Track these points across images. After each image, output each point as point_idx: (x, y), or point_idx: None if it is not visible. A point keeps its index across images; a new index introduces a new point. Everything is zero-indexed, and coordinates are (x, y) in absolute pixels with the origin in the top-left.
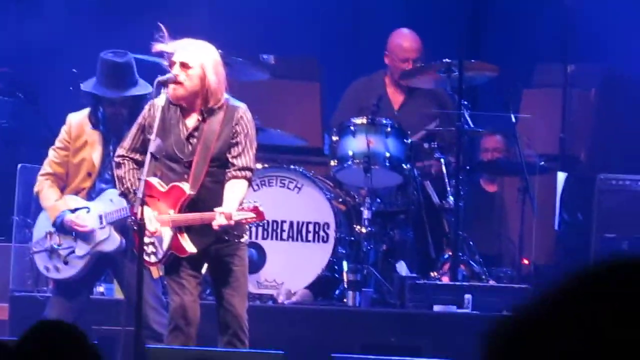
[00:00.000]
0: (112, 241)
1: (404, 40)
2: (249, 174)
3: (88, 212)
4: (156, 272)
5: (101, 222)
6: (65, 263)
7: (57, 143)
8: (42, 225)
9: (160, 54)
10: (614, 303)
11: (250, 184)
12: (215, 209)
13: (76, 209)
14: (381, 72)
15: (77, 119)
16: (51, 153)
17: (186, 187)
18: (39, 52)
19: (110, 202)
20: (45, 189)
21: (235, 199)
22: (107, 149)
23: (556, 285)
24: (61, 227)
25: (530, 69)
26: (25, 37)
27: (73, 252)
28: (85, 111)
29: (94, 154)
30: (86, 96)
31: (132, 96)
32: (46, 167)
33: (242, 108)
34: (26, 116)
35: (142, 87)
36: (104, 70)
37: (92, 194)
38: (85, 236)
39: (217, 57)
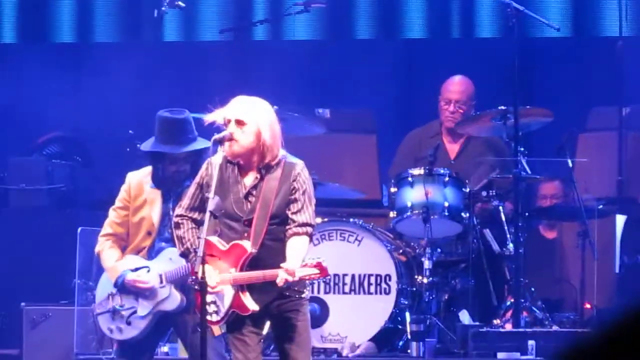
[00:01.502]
0: (173, 300)
1: (451, 83)
2: (309, 229)
3: (148, 271)
4: (217, 330)
5: (161, 281)
6: (128, 324)
7: (117, 203)
8: (104, 287)
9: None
10: None
11: (311, 240)
12: (281, 265)
13: (137, 269)
14: (436, 122)
15: (137, 178)
16: (111, 213)
17: (247, 245)
18: (92, 114)
19: (170, 261)
20: (106, 250)
21: (298, 256)
22: (166, 208)
23: (616, 319)
24: (122, 288)
25: (585, 113)
26: (78, 101)
27: (135, 312)
28: (144, 170)
29: (153, 212)
30: (146, 156)
31: (193, 151)
32: (107, 228)
33: (300, 165)
34: (83, 179)
35: (202, 142)
36: (162, 128)
37: (151, 253)
38: (146, 296)
39: (272, 112)
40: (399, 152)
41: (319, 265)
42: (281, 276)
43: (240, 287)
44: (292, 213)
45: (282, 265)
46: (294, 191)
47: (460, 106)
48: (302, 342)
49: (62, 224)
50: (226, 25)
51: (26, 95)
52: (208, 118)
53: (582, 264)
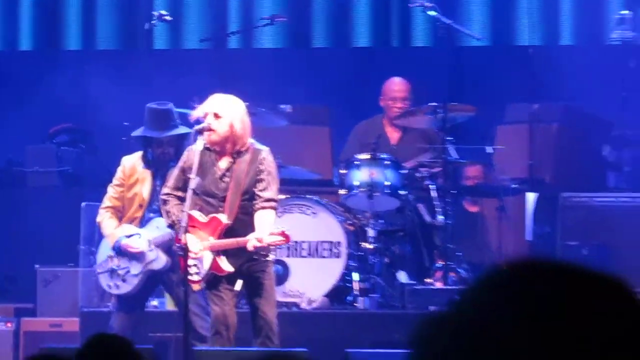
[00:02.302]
0: (159, 261)
1: (393, 84)
2: (274, 204)
3: (139, 237)
4: (197, 287)
5: (150, 246)
6: (124, 280)
7: (114, 181)
8: (104, 251)
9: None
10: (509, 299)
11: (275, 212)
12: (250, 235)
13: (130, 235)
14: (379, 116)
15: (130, 161)
16: (109, 189)
17: (223, 218)
18: (95, 110)
19: (157, 229)
20: (106, 220)
21: (265, 226)
22: (155, 184)
23: (472, 284)
24: (118, 251)
25: (502, 109)
26: (84, 97)
27: (129, 271)
28: (137, 154)
29: (144, 188)
30: (137, 141)
31: (176, 136)
32: (106, 202)
33: (266, 150)
34: (87, 163)
35: (183, 129)
36: (150, 117)
37: (142, 222)
38: (138, 257)
39: (243, 107)
40: (348, 141)
41: (283, 234)
42: (251, 243)
43: (217, 252)
44: (259, 190)
45: (251, 234)
46: (260, 172)
47: (404, 101)
48: (269, 296)
49: (70, 200)
50: (206, 36)
51: (40, 93)
52: (193, 114)
53: (499, 233)
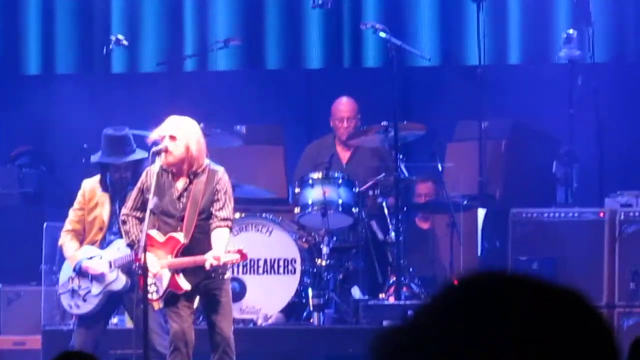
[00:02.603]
0: (119, 281)
1: (340, 104)
2: (230, 223)
3: (100, 259)
4: (157, 305)
5: (110, 267)
6: (84, 300)
7: (75, 205)
8: (66, 272)
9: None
10: (468, 310)
11: (231, 231)
12: (207, 253)
13: (91, 257)
14: (330, 135)
15: (90, 185)
16: (70, 213)
17: (181, 237)
18: (55, 132)
19: (118, 250)
20: (67, 242)
21: (222, 244)
22: (114, 207)
23: (431, 297)
24: (79, 272)
25: (452, 126)
26: (44, 119)
27: (90, 291)
28: (96, 177)
29: (104, 212)
30: (95, 166)
31: (133, 161)
32: (67, 225)
33: (221, 170)
34: (48, 184)
35: (140, 153)
36: (107, 143)
37: (103, 244)
38: (98, 278)
39: (198, 129)
40: (302, 159)
41: (240, 252)
42: (209, 261)
43: (175, 270)
44: (216, 210)
45: (208, 253)
46: (216, 192)
47: (350, 121)
48: (226, 313)
49: (32, 220)
50: (162, 59)
51: (1, 117)
52: (150, 137)
53: (451, 248)
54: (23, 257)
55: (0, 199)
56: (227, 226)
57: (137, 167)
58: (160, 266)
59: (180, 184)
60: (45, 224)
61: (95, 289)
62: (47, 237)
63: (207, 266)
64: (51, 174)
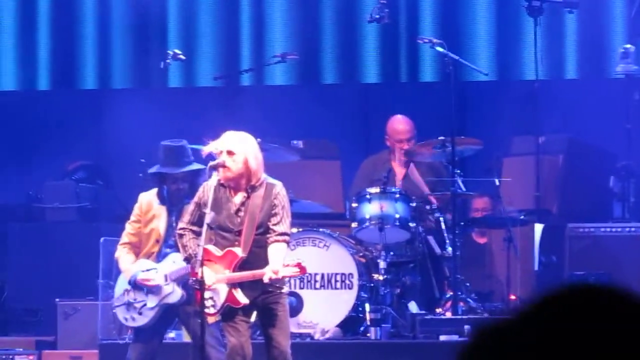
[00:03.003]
0: (175, 294)
1: (397, 124)
2: (287, 237)
3: (156, 272)
4: (213, 319)
5: (166, 280)
6: (140, 313)
7: (132, 217)
8: (121, 285)
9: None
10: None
11: (288, 245)
12: (266, 267)
13: (147, 270)
14: (387, 151)
15: (147, 198)
16: (127, 226)
17: (239, 251)
18: (111, 146)
19: (173, 263)
20: (123, 255)
21: (280, 258)
22: (170, 220)
23: (522, 306)
24: (135, 285)
25: (509, 141)
26: (100, 134)
27: (145, 304)
28: (153, 191)
29: (160, 224)
30: (153, 178)
31: (190, 172)
32: (124, 238)
33: (279, 185)
34: (104, 199)
35: (197, 165)
36: (164, 154)
37: (159, 257)
38: (154, 291)
39: (256, 144)
40: (358, 174)
41: (299, 265)
42: (268, 275)
43: (233, 284)
44: (273, 224)
45: (267, 267)
46: (274, 207)
47: (409, 142)
48: (283, 327)
49: (88, 235)
50: (219, 74)
51: (58, 131)
52: (205, 149)
53: (507, 263)
54: (80, 271)
55: (57, 214)
56: (285, 241)
57: (194, 179)
58: (216, 279)
59: (238, 198)
60: (102, 239)
61: (151, 301)
62: (103, 251)
63: (266, 280)
64: (108, 189)
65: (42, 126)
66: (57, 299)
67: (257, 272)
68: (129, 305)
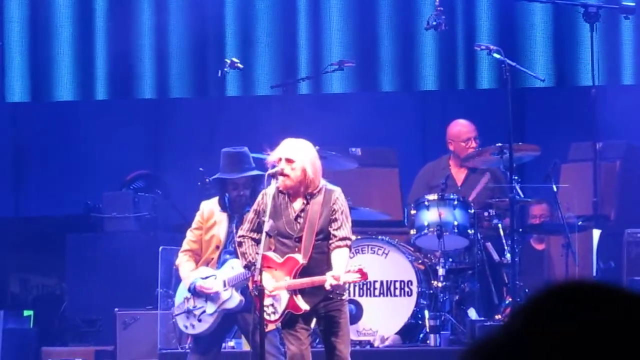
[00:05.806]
0: (234, 300)
1: (461, 125)
2: (349, 242)
3: (215, 278)
4: (272, 326)
5: (225, 285)
6: (199, 320)
7: (193, 224)
8: (181, 293)
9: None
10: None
11: (350, 250)
12: (327, 273)
13: (206, 277)
14: (445, 157)
15: (208, 206)
16: (188, 234)
17: (299, 258)
18: (169, 156)
19: (232, 269)
20: (183, 263)
21: (342, 264)
22: (231, 227)
23: (521, 306)
24: (194, 292)
25: (566, 148)
26: (159, 143)
27: (204, 311)
28: (214, 199)
29: (221, 231)
30: (214, 185)
31: (251, 177)
32: (184, 245)
33: (338, 191)
34: (162, 208)
35: (257, 171)
36: (225, 160)
37: (218, 264)
38: (212, 297)
39: (314, 152)
40: (416, 181)
41: (360, 271)
42: (329, 281)
43: (293, 291)
44: (334, 230)
45: (328, 273)
46: (334, 212)
47: (476, 140)
48: (344, 335)
49: (147, 245)
50: (276, 82)
51: (116, 141)
52: (267, 159)
53: (566, 269)
54: (138, 281)
55: (115, 223)
56: (346, 245)
57: (256, 186)
58: (274, 286)
59: (297, 205)
60: (160, 248)
61: (210, 308)
62: (162, 260)
63: (327, 286)
64: (166, 198)
65: (100, 136)
66: (116, 309)
67: (317, 278)
68: (188, 312)
